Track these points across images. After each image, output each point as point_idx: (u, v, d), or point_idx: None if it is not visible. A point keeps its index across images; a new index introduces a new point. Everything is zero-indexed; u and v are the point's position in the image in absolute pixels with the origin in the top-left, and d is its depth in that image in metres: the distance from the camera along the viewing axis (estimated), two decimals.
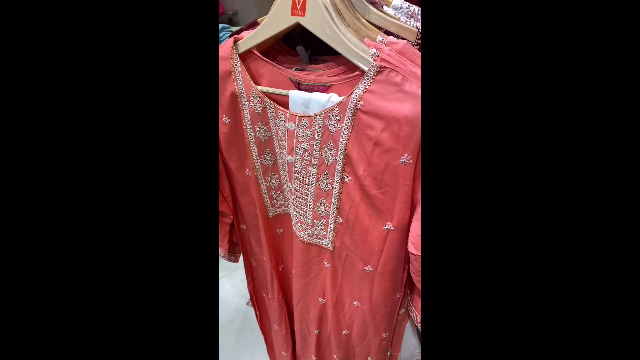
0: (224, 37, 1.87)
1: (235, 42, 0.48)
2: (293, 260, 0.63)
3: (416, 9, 0.62)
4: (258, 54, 0.48)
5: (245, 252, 0.72)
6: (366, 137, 0.44)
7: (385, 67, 0.40)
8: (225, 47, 0.48)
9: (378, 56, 0.41)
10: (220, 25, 1.86)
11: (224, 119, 0.53)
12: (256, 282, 0.78)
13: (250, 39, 0.47)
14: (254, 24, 0.64)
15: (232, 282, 1.49)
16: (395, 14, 0.59)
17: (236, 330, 1.31)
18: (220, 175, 0.59)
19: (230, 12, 2.13)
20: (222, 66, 0.48)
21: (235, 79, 0.49)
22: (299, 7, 0.42)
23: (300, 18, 0.43)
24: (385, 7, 0.59)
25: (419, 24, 0.57)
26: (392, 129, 0.42)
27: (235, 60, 0.48)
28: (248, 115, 0.51)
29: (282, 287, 0.73)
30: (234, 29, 1.95)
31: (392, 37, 0.48)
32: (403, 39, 0.50)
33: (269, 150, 0.55)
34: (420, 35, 0.52)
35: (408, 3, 0.63)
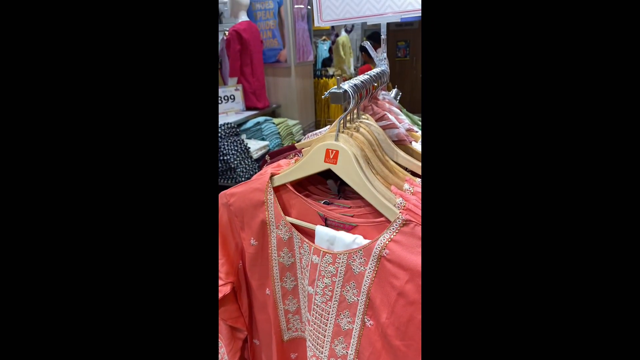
0: (266, 127, 2.07)
1: (272, 175, 0.52)
2: None
3: None
4: (291, 187, 0.51)
5: None
6: (390, 285, 0.43)
7: (410, 220, 0.41)
8: (262, 180, 0.52)
9: (404, 206, 0.42)
10: (263, 118, 2.07)
11: (251, 241, 0.55)
12: None
13: (285, 176, 0.51)
14: (291, 148, 0.70)
15: None
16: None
17: None
18: (240, 290, 0.59)
19: (274, 105, 2.39)
20: (257, 196, 0.52)
21: (267, 208, 0.52)
22: (331, 157, 0.46)
23: (332, 166, 0.46)
24: (413, 143, 0.63)
25: None
26: (417, 282, 0.40)
27: (269, 192, 0.51)
28: (275, 241, 0.53)
29: None
30: (276, 121, 2.17)
31: (419, 180, 0.50)
32: None
33: (291, 275, 0.55)
34: None
35: None
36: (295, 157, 0.58)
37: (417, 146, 0.63)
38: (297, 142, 2.04)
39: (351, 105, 0.47)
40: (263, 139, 2.01)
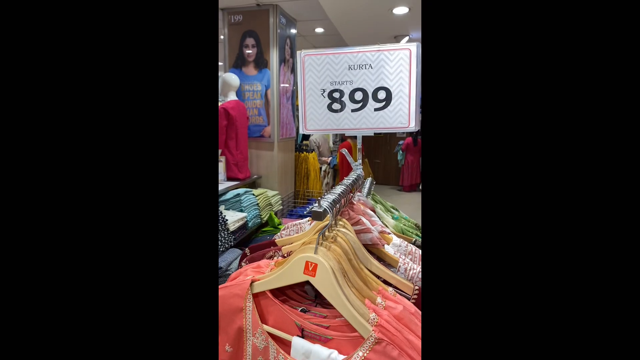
0: (246, 199, 2.10)
1: (252, 282, 0.54)
2: None
3: (413, 249, 0.71)
4: (270, 294, 0.53)
5: None
6: None
7: (382, 339, 0.44)
8: (242, 287, 0.54)
9: (377, 323, 0.45)
10: (243, 190, 2.12)
11: (226, 347, 0.54)
12: None
13: (265, 283, 0.53)
14: (272, 243, 0.73)
15: None
16: (394, 252, 0.68)
17: None
18: None
19: (255, 176, 2.47)
20: (236, 302, 0.53)
21: (245, 315, 0.53)
22: (310, 269, 0.50)
23: (311, 278, 0.49)
24: (386, 246, 0.69)
25: (416, 266, 0.64)
26: None
27: (249, 300, 0.53)
28: (250, 349, 0.52)
29: None
30: (256, 192, 2.21)
31: (391, 289, 0.54)
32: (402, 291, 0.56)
33: None
34: (417, 290, 0.57)
35: (407, 242, 0.73)
36: (275, 260, 0.61)
37: (390, 249, 0.68)
38: (276, 213, 2.04)
39: (330, 221, 0.53)
40: (241, 210, 2.03)
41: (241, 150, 2.29)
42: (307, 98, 0.80)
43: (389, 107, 0.75)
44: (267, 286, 0.53)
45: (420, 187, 4.71)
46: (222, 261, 1.75)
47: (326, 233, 0.56)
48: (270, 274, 0.54)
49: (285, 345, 0.50)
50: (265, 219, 2.16)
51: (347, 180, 0.68)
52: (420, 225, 1.10)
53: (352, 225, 0.65)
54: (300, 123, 0.82)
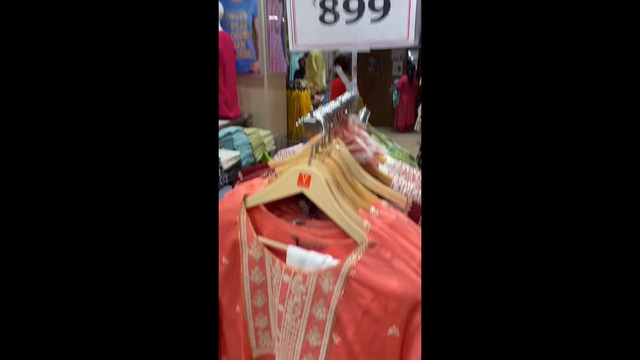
0: (237, 137, 2.06)
1: (245, 196, 0.53)
2: None
3: (407, 168, 0.70)
4: (264, 209, 0.53)
5: None
6: (357, 304, 0.45)
7: (375, 243, 0.44)
8: (234, 201, 0.53)
9: (370, 229, 0.45)
10: (235, 128, 2.06)
11: (223, 260, 0.55)
12: None
13: (258, 197, 0.52)
14: (265, 166, 0.71)
15: None
16: (389, 172, 0.67)
17: None
18: None
19: (246, 115, 2.39)
20: (230, 217, 0.53)
21: (239, 228, 0.53)
22: (304, 181, 0.49)
23: (305, 189, 0.49)
24: (380, 165, 0.68)
25: (410, 184, 0.64)
26: (381, 301, 0.44)
27: (242, 213, 0.53)
28: (246, 260, 0.54)
29: None
30: (248, 131, 2.16)
31: (384, 202, 0.54)
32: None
33: (262, 292, 0.56)
34: (410, 204, 0.58)
35: (401, 162, 0.72)
36: (269, 178, 0.60)
37: (384, 169, 0.68)
38: (269, 153, 2.03)
39: (323, 134, 0.50)
40: (234, 149, 1.99)
41: (230, 87, 2.17)
42: (297, 8, 0.72)
43: (386, 17, 0.68)
44: (260, 200, 0.52)
45: (415, 128, 4.66)
46: None
47: (320, 149, 0.54)
48: (263, 189, 0.53)
49: (281, 255, 0.52)
50: (258, 158, 2.13)
51: (342, 98, 0.64)
52: (415, 156, 1.09)
53: (346, 144, 0.63)
54: (290, 39, 0.76)
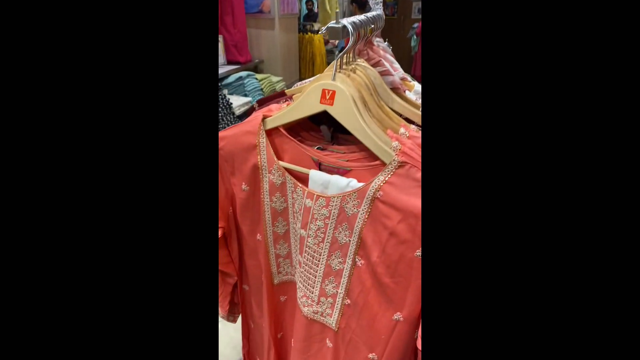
0: (249, 83, 1.98)
1: (264, 118, 0.50)
2: (294, 334, 0.60)
3: None
4: (284, 131, 0.50)
5: (244, 314, 0.70)
6: (382, 226, 0.44)
7: (406, 162, 0.41)
8: (253, 123, 0.50)
9: (400, 149, 0.42)
10: (246, 73, 1.98)
11: (242, 186, 0.54)
12: (252, 345, 0.74)
13: (278, 118, 0.49)
14: (281, 94, 0.67)
15: (225, 330, 1.43)
16: (417, 99, 0.62)
17: None
18: (230, 237, 0.59)
19: (256, 60, 2.27)
20: (249, 139, 0.50)
21: (259, 152, 0.50)
22: (327, 97, 0.45)
23: (329, 107, 0.45)
24: (407, 92, 0.62)
25: None
26: (409, 222, 0.42)
27: (261, 136, 0.50)
28: (267, 186, 0.52)
29: (278, 355, 0.69)
30: (259, 76, 2.07)
31: (414, 126, 0.50)
32: None
33: (283, 219, 0.55)
34: None
35: None
36: (287, 102, 0.56)
37: (411, 95, 0.63)
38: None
39: (350, 43, 0.45)
40: (245, 95, 1.93)
41: (239, 28, 2.05)
42: None
43: None
44: (280, 121, 0.49)
45: None
46: None
47: (344, 65, 0.49)
48: (282, 110, 0.49)
49: (303, 180, 0.49)
50: None
51: (367, 14, 0.57)
52: None
53: (371, 66, 0.57)
54: None
